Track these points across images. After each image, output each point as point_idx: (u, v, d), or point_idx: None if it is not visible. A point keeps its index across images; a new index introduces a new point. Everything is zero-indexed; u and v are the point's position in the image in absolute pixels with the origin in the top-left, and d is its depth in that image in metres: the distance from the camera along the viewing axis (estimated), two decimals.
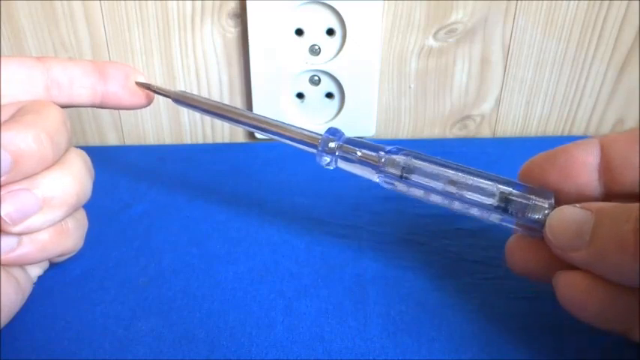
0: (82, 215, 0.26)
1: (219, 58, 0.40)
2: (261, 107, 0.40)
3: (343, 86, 0.39)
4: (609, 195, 0.23)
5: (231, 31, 0.39)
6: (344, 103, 0.40)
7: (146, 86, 0.27)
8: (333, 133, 0.26)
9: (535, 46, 0.40)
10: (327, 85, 0.40)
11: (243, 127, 0.27)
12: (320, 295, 0.27)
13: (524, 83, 0.41)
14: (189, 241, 0.31)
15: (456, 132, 0.43)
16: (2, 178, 0.21)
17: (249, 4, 0.37)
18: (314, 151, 0.26)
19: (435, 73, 0.40)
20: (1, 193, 0.22)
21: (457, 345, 0.24)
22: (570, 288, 0.22)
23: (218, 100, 0.28)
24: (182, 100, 0.28)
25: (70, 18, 0.38)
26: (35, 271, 0.26)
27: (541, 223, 0.23)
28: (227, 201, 0.34)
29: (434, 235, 0.30)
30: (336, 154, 0.26)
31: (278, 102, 0.40)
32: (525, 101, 0.42)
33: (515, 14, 0.38)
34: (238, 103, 0.42)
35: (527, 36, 0.39)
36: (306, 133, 0.26)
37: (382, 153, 0.25)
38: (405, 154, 0.25)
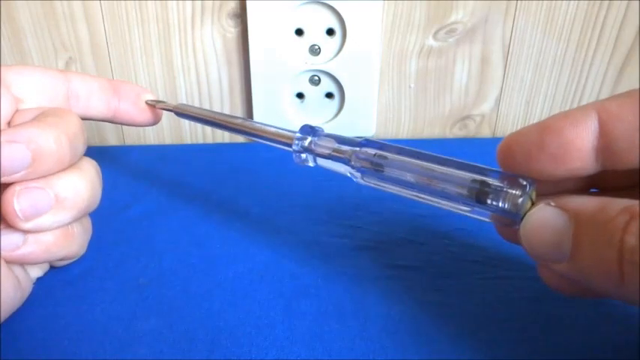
0: (87, 222, 0.27)
1: (219, 58, 0.40)
2: (261, 107, 0.40)
3: (343, 86, 0.39)
4: (607, 171, 0.20)
5: (231, 31, 0.39)
6: (344, 103, 0.40)
7: (154, 104, 0.29)
8: (307, 130, 0.26)
9: (535, 46, 0.40)
10: (327, 85, 0.40)
11: (232, 132, 0.29)
12: (320, 295, 0.27)
13: (524, 83, 0.41)
14: (189, 241, 0.31)
15: (456, 132, 0.43)
16: (20, 174, 0.22)
17: (249, 4, 0.37)
18: (290, 150, 0.26)
19: (435, 73, 0.40)
20: (17, 188, 0.22)
21: (457, 345, 0.24)
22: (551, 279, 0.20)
23: (211, 110, 0.30)
24: (183, 112, 0.29)
25: (70, 18, 0.38)
26: (35, 272, 0.26)
27: (517, 215, 0.20)
28: (227, 201, 0.34)
29: (434, 235, 0.30)
30: (311, 151, 0.26)
31: (278, 102, 0.40)
32: (525, 101, 0.42)
33: (515, 14, 0.38)
34: (238, 102, 0.42)
35: (527, 36, 0.39)
36: (281, 132, 0.27)
37: (354, 148, 0.25)
38: (376, 147, 0.24)
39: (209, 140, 0.43)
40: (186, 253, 0.30)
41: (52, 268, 0.28)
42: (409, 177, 0.23)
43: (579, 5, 0.38)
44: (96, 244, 0.30)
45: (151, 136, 0.43)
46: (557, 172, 0.20)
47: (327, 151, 0.25)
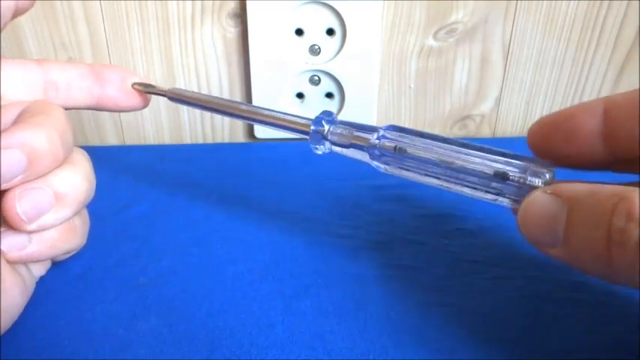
0: (85, 213, 0.27)
1: (219, 58, 0.40)
2: None
3: (343, 86, 0.39)
4: (614, 158, 0.22)
5: (231, 31, 0.39)
6: (344, 103, 0.40)
7: (142, 87, 0.28)
8: (324, 116, 0.26)
9: (535, 46, 0.40)
10: (327, 85, 0.40)
11: (237, 119, 0.27)
12: (320, 295, 0.27)
13: (524, 83, 0.41)
14: (189, 241, 0.31)
15: (456, 132, 0.43)
16: (18, 179, 0.22)
17: (249, 4, 0.37)
18: (306, 137, 0.26)
19: (435, 73, 0.40)
20: (17, 191, 0.22)
21: (457, 345, 0.24)
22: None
23: (210, 94, 0.29)
24: (177, 97, 0.28)
25: (70, 18, 0.38)
26: (39, 271, 0.26)
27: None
28: (227, 201, 0.34)
29: (434, 235, 0.30)
30: (329, 138, 0.25)
31: (278, 102, 0.40)
32: (525, 101, 0.42)
33: (515, 14, 0.38)
34: None
35: (527, 36, 0.39)
36: (297, 120, 0.26)
37: (374, 133, 0.24)
38: (397, 130, 0.24)
39: (209, 140, 0.43)
40: (186, 253, 0.30)
41: (54, 264, 0.28)
42: (433, 158, 0.23)
43: (579, 5, 0.38)
44: (96, 244, 0.30)
45: (150, 136, 0.43)
46: (569, 151, 0.22)
47: (346, 141, 0.25)
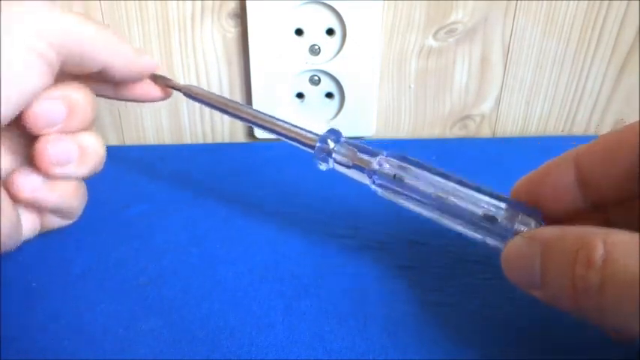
0: (85, 188, 0.28)
1: (219, 58, 0.40)
2: (261, 107, 0.40)
3: (343, 86, 0.39)
4: (595, 206, 0.23)
5: (231, 31, 0.39)
6: (344, 103, 0.40)
7: (160, 79, 0.29)
8: (331, 134, 0.26)
9: (535, 46, 0.40)
10: (327, 85, 0.40)
11: (248, 123, 0.28)
12: (320, 295, 0.27)
13: (524, 83, 0.41)
14: (190, 241, 0.31)
15: (456, 132, 0.43)
16: (56, 127, 0.25)
17: (249, 4, 0.37)
18: (311, 151, 0.26)
19: (435, 73, 0.40)
20: (51, 137, 0.25)
21: (457, 345, 0.24)
22: None
23: (223, 96, 0.29)
24: (192, 94, 0.29)
25: None
26: (28, 228, 0.27)
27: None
28: (227, 201, 0.34)
29: (434, 235, 0.30)
30: (333, 156, 0.26)
31: (278, 102, 0.40)
32: (525, 101, 0.42)
33: (515, 14, 0.38)
34: None
35: (527, 36, 0.39)
36: (304, 133, 0.27)
37: (376, 158, 0.25)
38: (398, 159, 0.25)
39: (209, 140, 0.43)
40: (186, 253, 0.30)
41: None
42: (428, 191, 0.24)
43: (579, 5, 0.38)
44: (96, 244, 0.30)
45: (150, 136, 0.43)
46: (553, 206, 0.23)
47: (348, 161, 0.26)
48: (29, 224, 0.27)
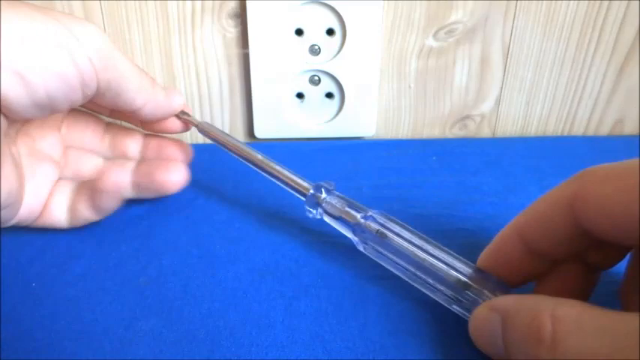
0: None
1: (219, 58, 0.40)
2: (261, 107, 0.40)
3: (343, 86, 0.39)
4: (554, 264, 0.23)
5: (231, 31, 0.39)
6: (344, 103, 0.40)
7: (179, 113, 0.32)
8: (324, 185, 0.28)
9: (535, 46, 0.40)
10: (327, 85, 0.40)
11: (251, 165, 0.31)
12: (320, 295, 0.27)
13: (524, 83, 0.41)
14: (190, 241, 0.31)
15: (456, 132, 0.43)
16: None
17: (249, 4, 0.37)
18: (303, 198, 0.28)
19: (435, 73, 0.40)
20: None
21: (457, 345, 0.24)
22: None
23: (232, 136, 0.32)
24: (205, 131, 0.32)
25: None
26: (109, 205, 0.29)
27: None
28: (227, 201, 0.34)
29: (434, 235, 0.30)
30: (322, 205, 0.28)
31: (278, 102, 0.40)
32: (525, 101, 0.42)
33: (515, 14, 0.38)
34: (238, 102, 0.42)
35: (527, 36, 0.39)
36: (298, 181, 0.29)
37: (362, 214, 0.27)
38: (382, 220, 0.26)
39: (209, 140, 0.43)
40: (187, 253, 0.30)
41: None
42: (406, 253, 0.25)
43: (579, 5, 0.38)
44: (96, 244, 0.30)
45: None
46: (520, 276, 0.24)
47: (336, 213, 0.28)
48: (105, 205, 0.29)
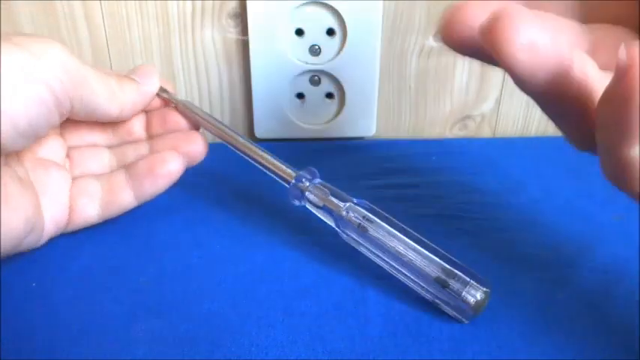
0: None
1: (219, 58, 0.40)
2: (261, 107, 0.40)
3: (343, 86, 0.39)
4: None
5: (231, 31, 0.39)
6: (344, 103, 0.40)
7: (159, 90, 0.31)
8: (307, 174, 0.28)
9: None
10: (327, 85, 0.40)
11: (233, 148, 0.31)
12: (320, 295, 0.27)
13: None
14: (190, 241, 0.31)
15: (456, 132, 0.43)
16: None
17: (249, 4, 0.37)
18: (287, 185, 0.29)
19: (435, 73, 0.40)
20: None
21: (457, 345, 0.24)
22: None
23: (214, 117, 0.33)
24: (184, 110, 0.32)
25: (70, 18, 0.38)
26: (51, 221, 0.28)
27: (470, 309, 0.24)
28: (227, 201, 0.34)
29: (434, 235, 0.30)
30: (306, 194, 0.28)
31: (278, 102, 0.40)
32: (525, 101, 0.42)
33: None
34: (238, 102, 0.42)
35: None
36: (282, 167, 0.29)
37: (346, 204, 0.27)
38: (365, 210, 0.27)
39: (209, 140, 0.43)
40: (186, 253, 0.30)
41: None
42: (387, 246, 0.26)
43: None
44: (96, 244, 0.30)
45: None
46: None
47: (319, 201, 0.28)
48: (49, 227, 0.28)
